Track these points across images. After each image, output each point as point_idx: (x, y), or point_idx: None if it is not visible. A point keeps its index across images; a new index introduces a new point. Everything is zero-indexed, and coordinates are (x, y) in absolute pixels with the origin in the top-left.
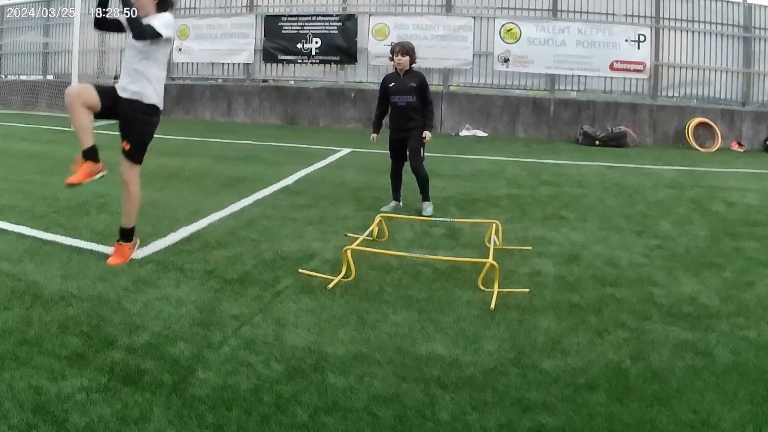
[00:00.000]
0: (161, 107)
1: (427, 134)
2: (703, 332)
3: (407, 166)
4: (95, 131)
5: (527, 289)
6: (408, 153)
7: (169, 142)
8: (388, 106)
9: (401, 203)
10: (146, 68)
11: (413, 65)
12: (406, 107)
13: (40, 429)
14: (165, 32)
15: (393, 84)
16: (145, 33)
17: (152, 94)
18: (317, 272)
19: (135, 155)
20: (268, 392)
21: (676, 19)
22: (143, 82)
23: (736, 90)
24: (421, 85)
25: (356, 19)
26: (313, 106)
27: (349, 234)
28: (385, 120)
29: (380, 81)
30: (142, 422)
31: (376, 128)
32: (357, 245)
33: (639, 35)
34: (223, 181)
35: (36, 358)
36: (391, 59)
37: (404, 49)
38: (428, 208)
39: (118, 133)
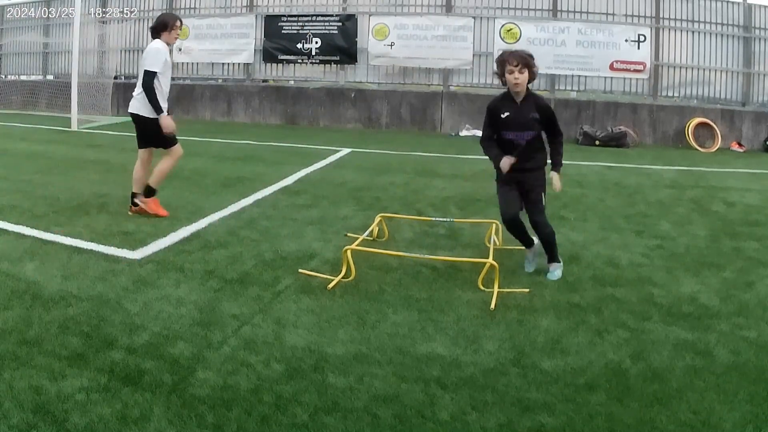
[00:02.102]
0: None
1: (554, 178)
2: (703, 332)
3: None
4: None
5: (527, 289)
6: (526, 204)
7: None
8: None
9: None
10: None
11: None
12: (524, 145)
13: (40, 429)
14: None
15: (507, 114)
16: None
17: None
18: (317, 272)
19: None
20: (268, 392)
21: (676, 19)
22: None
23: (736, 90)
24: (546, 114)
25: (356, 19)
26: (313, 106)
27: (349, 234)
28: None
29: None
30: (142, 422)
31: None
32: (357, 245)
33: (639, 35)
34: (223, 181)
35: (36, 358)
36: (502, 76)
37: (524, 60)
38: (556, 270)
39: (117, 133)
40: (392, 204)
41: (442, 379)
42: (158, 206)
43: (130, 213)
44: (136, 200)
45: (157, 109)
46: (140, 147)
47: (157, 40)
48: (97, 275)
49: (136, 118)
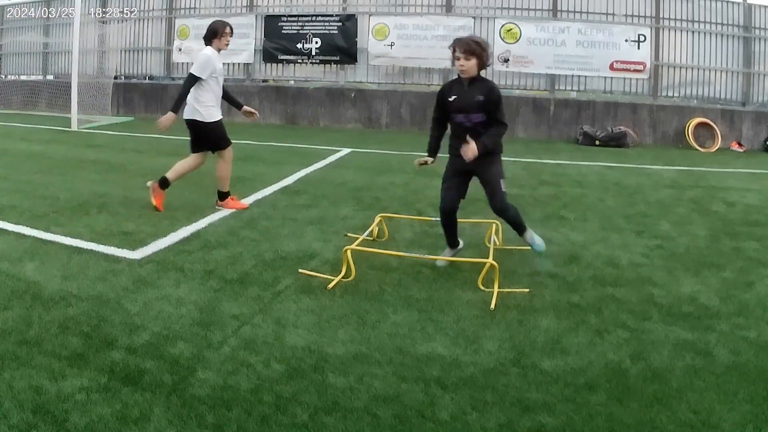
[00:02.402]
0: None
1: (471, 143)
2: (703, 332)
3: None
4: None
5: (527, 289)
6: (484, 189)
7: (169, 142)
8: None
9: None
10: None
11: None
12: (474, 128)
13: (40, 429)
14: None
15: (454, 97)
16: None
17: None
18: (317, 272)
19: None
20: (268, 392)
21: (676, 19)
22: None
23: (736, 90)
24: (491, 97)
25: (356, 19)
26: (313, 106)
27: (349, 234)
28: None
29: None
30: (142, 422)
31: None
32: (357, 245)
33: (639, 35)
34: None
35: (36, 358)
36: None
37: (468, 48)
38: (534, 238)
39: (117, 133)
40: (392, 204)
41: (442, 379)
42: (160, 200)
43: (216, 207)
44: (222, 200)
45: (175, 105)
46: (193, 151)
47: (208, 47)
48: (97, 275)
49: (190, 123)
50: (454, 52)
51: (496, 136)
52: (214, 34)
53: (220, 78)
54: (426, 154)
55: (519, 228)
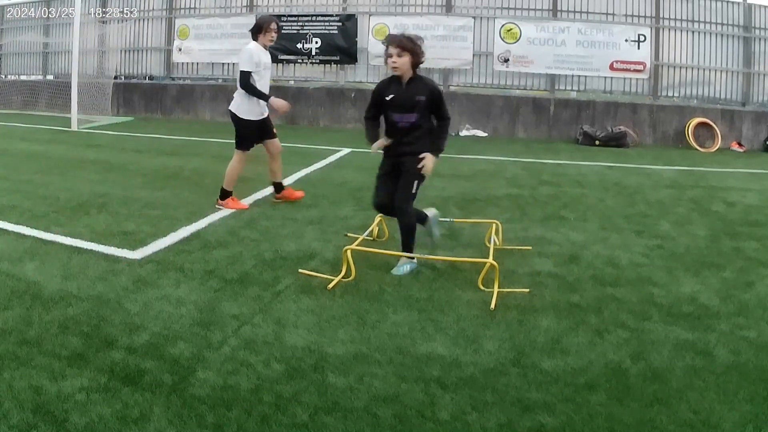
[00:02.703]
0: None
1: (427, 158)
2: (703, 332)
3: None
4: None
5: (527, 289)
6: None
7: (169, 142)
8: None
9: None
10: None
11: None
12: (408, 128)
13: (40, 429)
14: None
15: (392, 96)
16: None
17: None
18: (317, 272)
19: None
20: (268, 392)
21: (676, 19)
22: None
23: (736, 90)
24: (432, 96)
25: (356, 19)
26: (313, 106)
27: (349, 234)
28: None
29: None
30: (142, 422)
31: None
32: (357, 245)
33: (639, 35)
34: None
35: (36, 358)
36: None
37: (401, 45)
38: (404, 266)
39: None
40: None
41: (442, 379)
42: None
43: (216, 206)
44: (222, 199)
45: (262, 96)
46: (238, 148)
47: (253, 42)
48: (97, 275)
49: (232, 117)
50: (387, 49)
51: (446, 134)
52: (259, 29)
53: (265, 74)
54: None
55: (409, 234)
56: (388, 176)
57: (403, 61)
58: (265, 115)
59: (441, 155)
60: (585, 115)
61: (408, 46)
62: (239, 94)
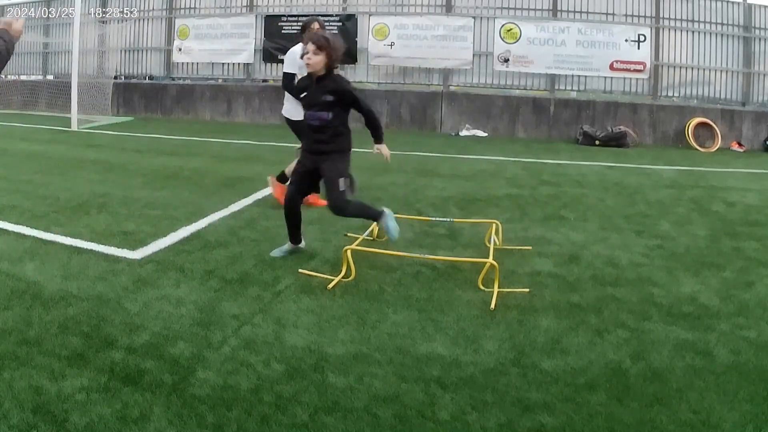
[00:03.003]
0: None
1: (382, 149)
2: (703, 332)
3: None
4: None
5: (527, 289)
6: (324, 186)
7: (169, 142)
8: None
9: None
10: None
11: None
12: (321, 127)
13: (40, 429)
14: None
15: (305, 93)
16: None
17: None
18: (317, 272)
19: None
20: (268, 392)
21: (676, 19)
22: None
23: (736, 90)
24: (341, 96)
25: (356, 19)
26: None
27: (349, 234)
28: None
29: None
30: (142, 422)
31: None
32: (357, 245)
33: (639, 35)
34: (223, 181)
35: (36, 358)
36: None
37: (318, 43)
38: (388, 222)
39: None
40: (392, 204)
41: (442, 379)
42: (281, 193)
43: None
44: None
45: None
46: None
47: (300, 44)
48: (97, 275)
49: (286, 121)
50: (305, 45)
51: (376, 122)
52: (303, 30)
53: None
54: None
55: (370, 219)
56: (306, 174)
57: (317, 60)
58: None
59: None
60: (585, 115)
61: (324, 45)
62: (287, 98)
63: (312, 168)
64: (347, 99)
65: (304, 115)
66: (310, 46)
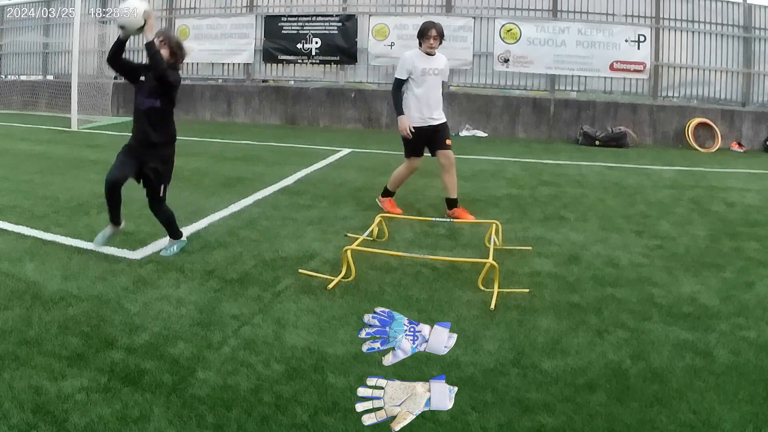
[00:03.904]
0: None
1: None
2: (703, 332)
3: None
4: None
5: (527, 289)
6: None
7: None
8: None
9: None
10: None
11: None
12: (147, 113)
13: (40, 429)
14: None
15: (143, 78)
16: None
17: None
18: (317, 272)
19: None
20: (268, 392)
21: (676, 19)
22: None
23: (736, 90)
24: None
25: (356, 19)
26: (313, 106)
27: (349, 234)
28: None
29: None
30: (142, 422)
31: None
32: (357, 245)
33: (639, 35)
34: (223, 181)
35: (36, 358)
36: None
37: (167, 38)
38: (172, 246)
39: (117, 133)
40: None
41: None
42: (393, 206)
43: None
44: (384, 196)
45: (396, 107)
46: (405, 155)
47: (415, 48)
48: (97, 275)
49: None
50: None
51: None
52: (420, 35)
53: (421, 80)
54: None
55: (169, 230)
56: (131, 160)
57: (163, 53)
58: (435, 122)
59: None
60: (585, 116)
61: (172, 43)
62: (405, 104)
63: (137, 158)
64: (163, 85)
65: (136, 99)
66: (158, 39)
